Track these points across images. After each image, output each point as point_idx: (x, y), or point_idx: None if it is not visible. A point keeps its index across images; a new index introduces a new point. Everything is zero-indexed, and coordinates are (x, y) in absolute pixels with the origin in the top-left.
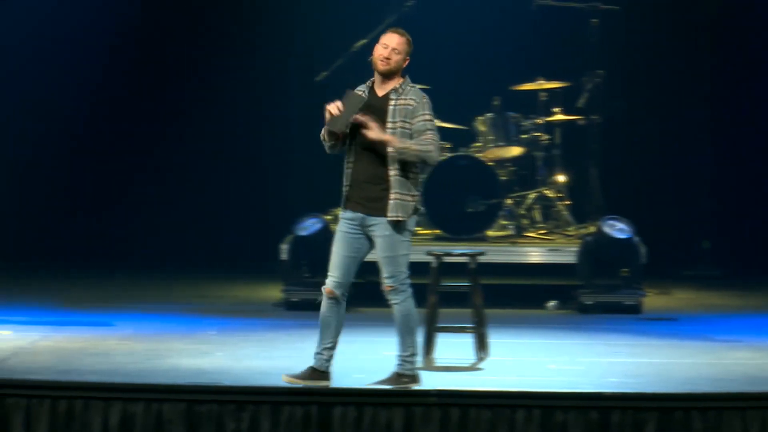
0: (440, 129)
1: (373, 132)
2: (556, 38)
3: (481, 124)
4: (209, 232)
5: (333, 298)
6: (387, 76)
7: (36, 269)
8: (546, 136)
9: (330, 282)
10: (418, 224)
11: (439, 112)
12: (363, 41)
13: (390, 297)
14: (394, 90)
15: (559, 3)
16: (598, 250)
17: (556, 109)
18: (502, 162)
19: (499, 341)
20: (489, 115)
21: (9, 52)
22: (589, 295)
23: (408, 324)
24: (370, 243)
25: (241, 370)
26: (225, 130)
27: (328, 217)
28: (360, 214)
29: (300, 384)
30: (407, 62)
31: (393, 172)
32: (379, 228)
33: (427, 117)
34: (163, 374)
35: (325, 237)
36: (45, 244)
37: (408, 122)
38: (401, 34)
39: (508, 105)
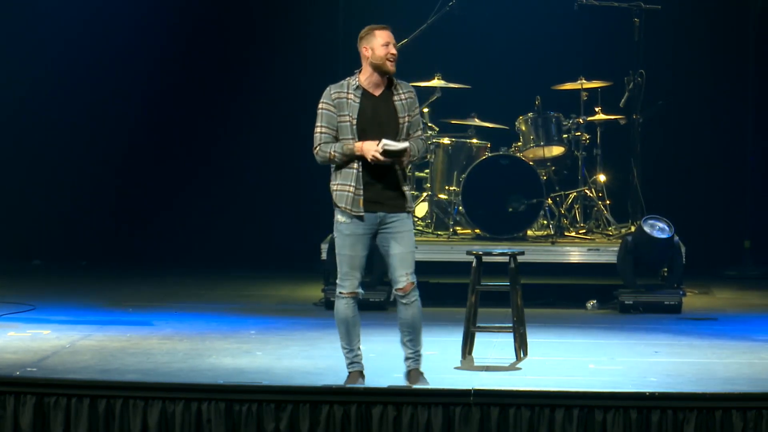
0: (482, 128)
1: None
2: (598, 38)
3: (522, 124)
4: (252, 233)
5: (354, 297)
6: (381, 75)
7: (76, 269)
8: (587, 136)
9: (352, 284)
10: (457, 223)
11: (480, 112)
12: (404, 41)
13: (410, 294)
14: (393, 86)
15: (601, 2)
16: (638, 249)
17: (597, 109)
18: (542, 161)
19: (538, 341)
20: (530, 114)
21: (57, 56)
22: (630, 295)
23: (421, 319)
24: (372, 242)
25: (281, 369)
26: (269, 131)
27: None
28: (381, 213)
29: None
30: None
31: (398, 168)
32: (400, 224)
33: (419, 109)
34: (203, 374)
35: None
36: (88, 244)
37: (410, 115)
38: (389, 28)
39: (550, 104)
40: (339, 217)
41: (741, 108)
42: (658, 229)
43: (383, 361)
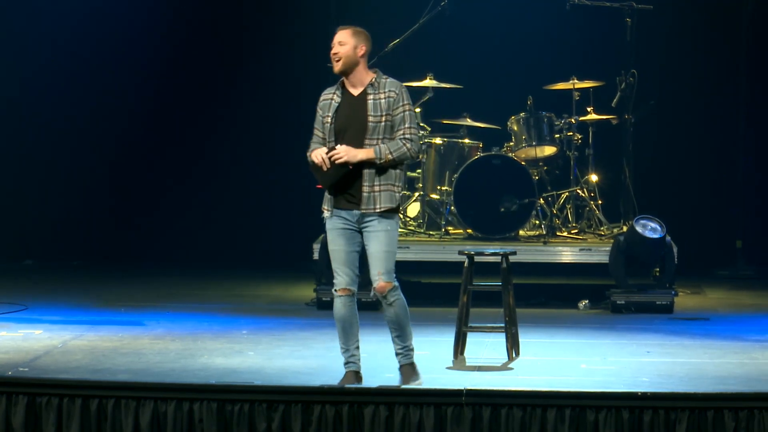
0: (474, 128)
1: (343, 155)
2: (590, 38)
3: (514, 124)
4: (244, 233)
5: (349, 295)
6: (347, 72)
7: (68, 269)
8: (579, 136)
9: (342, 280)
10: (449, 223)
11: (472, 112)
12: (396, 41)
13: (387, 295)
14: (370, 85)
15: (593, 2)
16: (630, 249)
17: (589, 109)
18: (534, 161)
19: (530, 341)
20: (522, 114)
21: (48, 55)
22: (621, 295)
23: (407, 316)
24: (362, 239)
25: (273, 369)
26: (262, 131)
27: None
28: (356, 212)
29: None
30: (363, 51)
31: (378, 167)
32: (375, 224)
33: (407, 106)
34: (194, 374)
35: None
36: (81, 244)
37: (390, 114)
38: (344, 27)
39: (542, 104)
40: (324, 214)
41: (733, 108)
42: (650, 229)
43: (375, 360)
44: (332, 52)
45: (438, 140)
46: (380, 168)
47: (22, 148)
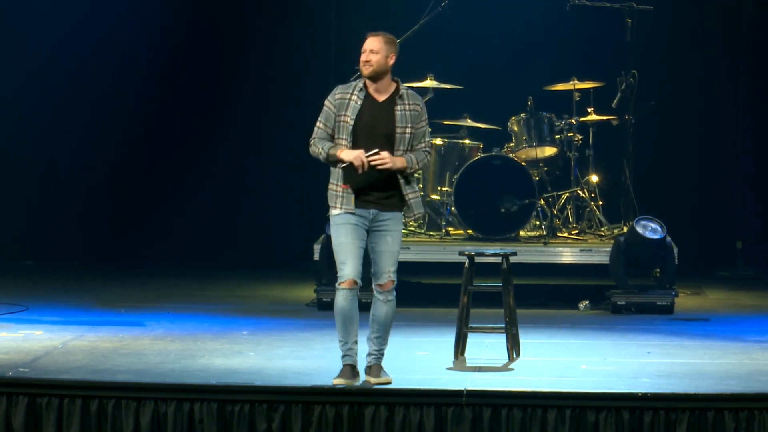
0: (474, 129)
1: (389, 163)
2: (590, 38)
3: (514, 124)
4: (245, 233)
5: (353, 288)
6: (375, 78)
7: (68, 269)
8: (579, 137)
9: (349, 272)
10: (450, 224)
11: (472, 112)
12: (397, 41)
13: (388, 293)
14: (399, 96)
15: (594, 3)
16: (630, 250)
17: (589, 109)
18: (535, 162)
19: (531, 341)
20: (523, 115)
21: (49, 55)
22: (622, 296)
23: (392, 321)
24: (367, 238)
25: (274, 370)
26: (262, 131)
27: None
28: (373, 211)
29: (354, 385)
30: (393, 60)
31: (401, 177)
32: (392, 223)
33: (427, 121)
34: (195, 374)
35: None
36: (81, 244)
37: (413, 127)
38: (376, 35)
39: (542, 105)
40: (333, 211)
41: (733, 108)
42: (650, 229)
43: None
44: (364, 59)
45: (438, 141)
46: (407, 176)
47: (22, 148)
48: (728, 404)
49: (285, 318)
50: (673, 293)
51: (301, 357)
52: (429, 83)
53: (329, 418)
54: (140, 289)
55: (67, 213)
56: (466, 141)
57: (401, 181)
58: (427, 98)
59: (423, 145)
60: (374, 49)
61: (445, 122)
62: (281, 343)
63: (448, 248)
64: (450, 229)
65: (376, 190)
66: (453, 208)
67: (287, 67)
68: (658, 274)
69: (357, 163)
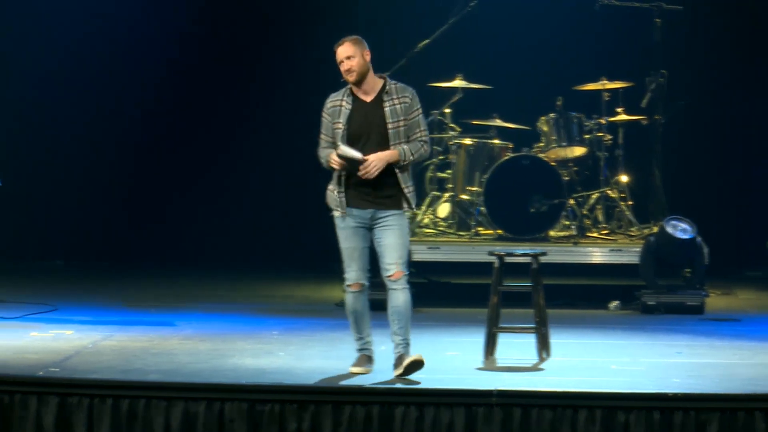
0: (503, 129)
1: (377, 165)
2: (620, 38)
3: (543, 124)
4: (273, 233)
5: (361, 290)
6: (360, 82)
7: (99, 269)
8: (609, 136)
9: (354, 275)
10: (479, 224)
11: (502, 112)
12: (425, 42)
13: (399, 282)
14: (385, 92)
15: (623, 3)
16: (660, 250)
17: (619, 109)
18: (564, 162)
19: (560, 341)
20: (552, 115)
21: (72, 55)
22: (652, 296)
23: (410, 309)
24: (371, 236)
25: (303, 370)
26: (290, 127)
27: None
28: (370, 210)
29: (369, 372)
30: (368, 55)
31: (398, 170)
32: (392, 219)
33: (420, 110)
34: (225, 374)
35: None
36: (109, 244)
37: (405, 119)
38: (342, 42)
39: (571, 105)
40: (333, 214)
41: (762, 107)
42: (680, 229)
43: None
44: (344, 68)
45: (468, 141)
46: (403, 169)
47: (49, 149)
48: (759, 404)
49: (315, 318)
50: (704, 293)
51: (331, 357)
52: (458, 83)
53: (359, 418)
54: (169, 289)
55: (96, 213)
56: (496, 141)
57: (399, 176)
58: (457, 98)
59: (418, 134)
60: (349, 55)
61: (475, 122)
62: (311, 343)
63: (478, 248)
64: (479, 229)
65: (374, 189)
66: (482, 208)
67: (311, 66)
68: (688, 274)
69: (335, 166)
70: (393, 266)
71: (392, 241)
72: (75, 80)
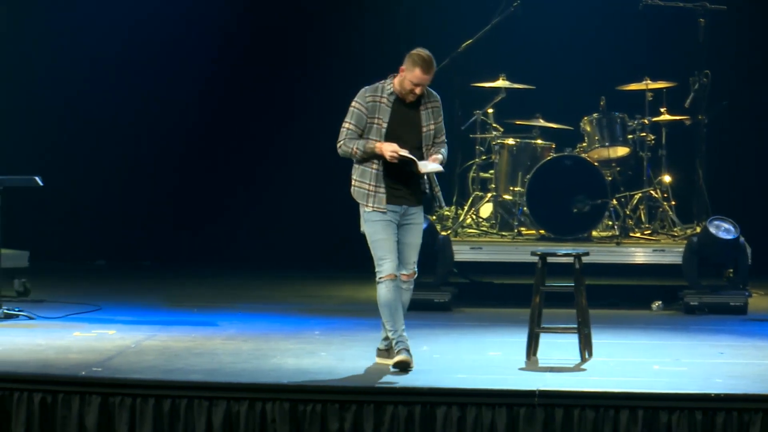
0: (546, 129)
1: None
2: (663, 38)
3: (587, 124)
4: (314, 233)
5: (395, 279)
6: None
7: (140, 270)
8: (652, 137)
9: (390, 266)
10: (522, 224)
11: (544, 112)
12: (469, 42)
13: (410, 282)
14: (422, 95)
15: (666, 2)
16: (703, 250)
17: (662, 109)
18: (607, 162)
19: (603, 342)
20: (595, 115)
21: (115, 58)
22: (695, 296)
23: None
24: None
25: (345, 369)
26: (338, 129)
27: (433, 217)
28: (404, 206)
29: (411, 366)
30: None
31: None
32: (417, 216)
33: (442, 115)
34: (267, 374)
35: (429, 236)
36: (151, 244)
37: (435, 123)
38: (429, 70)
39: (614, 105)
40: (365, 208)
41: None
42: (723, 229)
43: (448, 361)
44: (414, 90)
45: (510, 141)
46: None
47: (94, 151)
48: None
49: (356, 318)
50: (747, 293)
51: (373, 357)
52: (501, 83)
53: (401, 417)
54: (211, 289)
55: (138, 214)
56: (539, 141)
57: (433, 176)
58: (500, 98)
59: (442, 138)
60: (426, 83)
61: (518, 122)
62: (353, 343)
63: (520, 248)
64: (522, 229)
65: (407, 186)
66: (525, 208)
67: (354, 68)
68: (731, 275)
69: (390, 156)
70: (411, 266)
71: (416, 241)
72: (119, 83)
